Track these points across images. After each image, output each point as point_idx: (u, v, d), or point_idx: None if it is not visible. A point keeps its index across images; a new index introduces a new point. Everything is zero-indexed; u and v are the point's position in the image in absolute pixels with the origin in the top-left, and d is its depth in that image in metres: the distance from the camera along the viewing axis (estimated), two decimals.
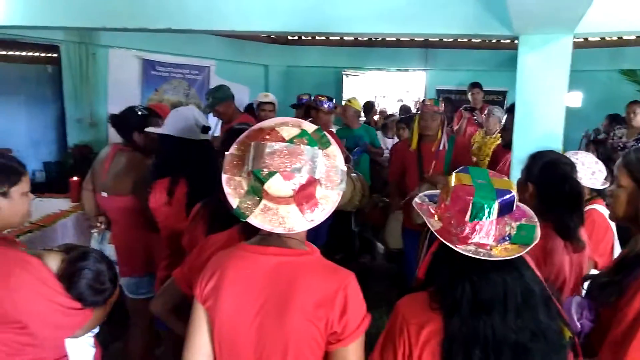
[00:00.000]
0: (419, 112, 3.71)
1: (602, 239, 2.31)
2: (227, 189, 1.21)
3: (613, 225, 2.30)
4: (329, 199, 1.20)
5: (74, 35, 5.41)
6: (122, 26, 3.25)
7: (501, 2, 2.36)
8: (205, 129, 2.38)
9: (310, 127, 1.24)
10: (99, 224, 2.86)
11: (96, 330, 1.71)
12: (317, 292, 1.20)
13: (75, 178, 3.92)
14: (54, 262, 1.58)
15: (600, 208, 2.34)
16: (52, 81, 5.74)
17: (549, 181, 1.95)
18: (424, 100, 3.73)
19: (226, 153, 1.24)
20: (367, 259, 5.27)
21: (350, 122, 5.16)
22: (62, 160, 5.67)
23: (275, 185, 1.15)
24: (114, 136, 2.88)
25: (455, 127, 5.74)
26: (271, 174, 1.14)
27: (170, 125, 2.30)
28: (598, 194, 2.42)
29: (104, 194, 2.71)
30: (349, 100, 5.24)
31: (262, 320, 1.22)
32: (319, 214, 1.19)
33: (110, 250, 2.80)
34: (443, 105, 3.65)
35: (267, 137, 1.17)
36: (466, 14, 2.68)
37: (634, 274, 1.38)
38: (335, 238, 4.62)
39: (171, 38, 6.06)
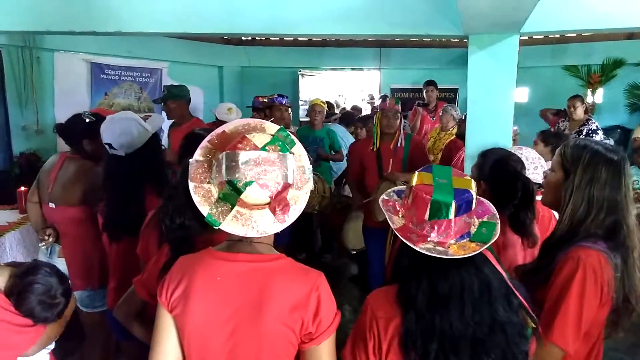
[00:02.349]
0: (378, 110, 3.77)
1: (547, 229, 2.41)
2: (195, 198, 1.19)
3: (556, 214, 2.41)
4: (299, 199, 1.22)
5: (17, 39, 5.18)
6: (68, 29, 3.12)
7: (451, 3, 2.43)
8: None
9: (273, 127, 1.25)
10: (46, 237, 2.73)
11: (52, 346, 1.64)
12: (290, 296, 1.21)
13: (22, 188, 3.75)
14: (1, 278, 1.50)
15: None
16: None
17: (501, 179, 2.02)
18: (385, 99, 3.79)
19: (190, 160, 1.22)
20: (328, 258, 5.30)
21: (313, 122, 5.17)
22: (7, 170, 5.41)
23: (252, 195, 1.15)
24: (62, 143, 2.75)
25: (411, 124, 5.87)
26: (248, 183, 1.13)
27: (124, 146, 2.14)
28: (540, 187, 2.52)
29: (52, 205, 2.59)
30: (313, 101, 5.25)
31: (235, 327, 1.22)
32: (291, 215, 1.20)
33: (61, 264, 2.69)
34: (393, 103, 3.73)
35: (240, 145, 1.15)
36: (418, 15, 2.73)
37: (562, 251, 1.47)
38: (297, 238, 4.63)
39: (121, 40, 5.90)
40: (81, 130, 2.56)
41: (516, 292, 1.27)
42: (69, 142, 2.64)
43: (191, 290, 1.24)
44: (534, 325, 1.29)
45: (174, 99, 4.10)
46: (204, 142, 1.23)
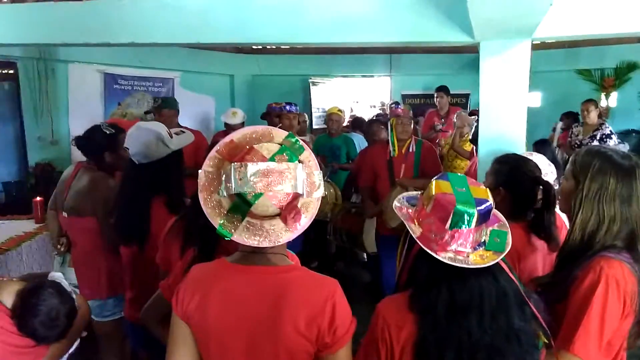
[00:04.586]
0: (392, 117, 3.78)
1: (561, 236, 2.39)
2: (206, 209, 1.19)
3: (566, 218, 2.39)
4: (310, 205, 1.21)
5: (32, 51, 5.27)
6: (83, 41, 3.18)
7: (462, 10, 2.42)
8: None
9: (281, 134, 1.24)
10: (59, 246, 2.77)
11: (65, 357, 1.66)
12: (306, 307, 1.20)
13: (38, 198, 3.80)
14: (8, 296, 1.53)
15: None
16: (10, 99, 5.56)
17: (520, 184, 2.00)
18: (398, 106, 3.82)
19: (199, 171, 1.22)
20: (341, 266, 5.29)
21: (330, 130, 5.18)
22: (22, 180, 5.49)
23: (261, 206, 1.15)
24: (77, 153, 2.78)
25: (425, 134, 5.85)
26: (258, 195, 1.13)
27: (139, 155, 2.17)
28: None
29: (65, 215, 2.62)
30: (330, 109, 5.28)
31: (252, 338, 1.22)
32: (302, 222, 1.19)
33: (73, 273, 2.72)
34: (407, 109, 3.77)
35: (247, 156, 1.15)
36: (429, 23, 2.73)
37: (578, 265, 1.45)
38: (310, 246, 4.63)
39: (133, 51, 5.98)
40: (101, 143, 2.58)
41: (529, 302, 1.26)
42: (89, 155, 2.65)
43: (207, 302, 1.24)
44: (545, 340, 1.28)
45: (170, 108, 4.39)
46: (213, 152, 1.22)
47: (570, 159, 1.61)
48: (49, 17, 3.20)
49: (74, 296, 1.69)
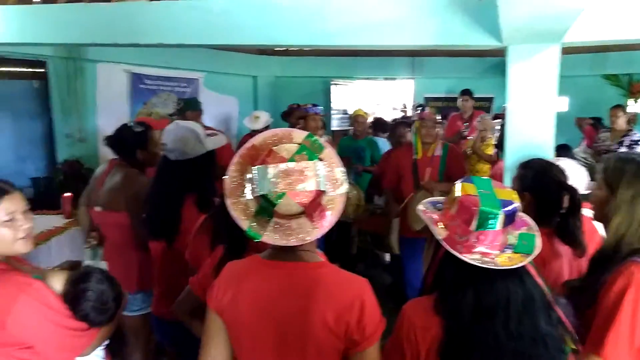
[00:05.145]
0: (417, 120, 3.78)
1: (590, 242, 2.35)
2: (234, 213, 1.22)
3: (600, 226, 2.35)
4: (334, 202, 1.23)
5: (62, 51, 5.39)
6: (112, 42, 3.25)
7: (490, 14, 2.41)
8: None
9: (300, 135, 1.27)
10: (90, 240, 2.84)
11: (106, 341, 1.72)
12: (335, 302, 1.23)
13: (68, 194, 3.89)
14: (58, 283, 1.58)
15: (586, 212, 2.38)
16: (40, 97, 5.69)
17: (546, 189, 1.99)
18: (423, 109, 3.82)
19: (225, 177, 1.26)
20: (362, 267, 5.28)
21: (355, 132, 5.19)
22: (50, 176, 5.62)
23: (285, 205, 1.18)
24: (104, 150, 2.84)
25: (449, 137, 5.81)
26: (280, 195, 1.17)
27: (176, 151, 2.22)
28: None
29: (98, 209, 2.68)
30: (356, 112, 5.28)
31: (282, 333, 1.25)
32: (329, 219, 1.22)
33: (104, 267, 2.77)
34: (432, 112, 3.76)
35: (268, 159, 1.19)
36: (455, 26, 2.72)
37: (609, 270, 1.45)
38: (332, 246, 4.63)
39: (159, 51, 6.07)
40: (132, 140, 2.64)
41: (555, 307, 1.26)
42: (120, 153, 2.70)
43: (239, 296, 1.28)
44: (572, 345, 1.28)
45: (193, 109, 4.58)
46: (236, 157, 1.26)
47: (600, 167, 1.60)
48: (79, 17, 3.27)
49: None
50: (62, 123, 5.60)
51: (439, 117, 3.76)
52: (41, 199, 5.17)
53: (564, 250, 1.95)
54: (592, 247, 2.33)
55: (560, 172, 2.08)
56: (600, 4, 2.53)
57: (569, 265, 1.93)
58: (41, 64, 5.46)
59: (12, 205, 1.51)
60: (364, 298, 1.24)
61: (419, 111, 6.40)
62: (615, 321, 1.39)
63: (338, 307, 1.22)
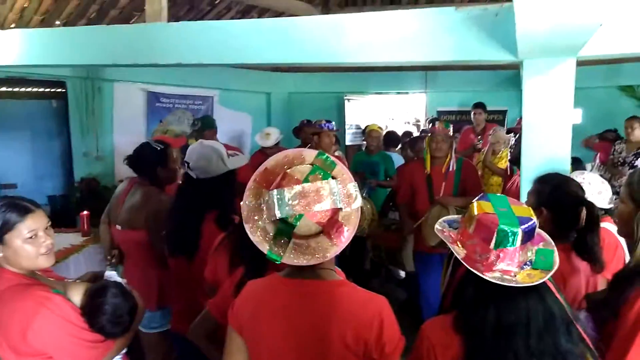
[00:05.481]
0: (428, 134, 3.77)
1: (612, 257, 2.32)
2: (253, 238, 1.24)
3: (623, 241, 2.32)
4: (350, 217, 1.25)
5: (81, 71, 5.51)
6: (132, 62, 3.32)
7: (506, 28, 2.42)
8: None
9: (311, 154, 1.28)
10: (109, 257, 2.87)
11: (124, 350, 1.78)
12: (354, 321, 1.24)
13: (85, 212, 3.94)
14: (77, 295, 1.66)
15: (609, 226, 2.35)
16: (58, 116, 5.81)
17: (563, 204, 1.97)
18: (434, 123, 3.80)
19: (242, 203, 1.28)
20: (376, 283, 5.25)
21: (369, 147, 5.20)
22: (67, 194, 5.70)
23: (304, 227, 1.20)
24: (122, 169, 2.90)
25: (461, 151, 5.80)
26: (299, 217, 1.19)
27: (199, 169, 2.25)
28: (606, 212, 2.44)
29: (119, 227, 2.73)
30: (370, 127, 5.30)
31: (302, 350, 1.25)
32: (346, 235, 1.23)
33: (121, 280, 2.80)
34: (428, 125, 3.74)
35: (283, 182, 1.21)
36: (470, 41, 2.73)
37: (633, 286, 1.42)
38: (346, 261, 4.62)
39: (175, 70, 6.16)
40: (153, 159, 2.69)
41: (576, 323, 1.25)
42: (140, 171, 2.74)
43: (260, 315, 1.29)
44: None
45: (210, 128, 4.78)
46: (250, 183, 1.29)
47: (624, 182, 1.59)
48: (99, 39, 3.36)
49: (134, 293, 1.81)
50: (80, 142, 5.71)
51: (451, 131, 3.72)
52: (58, 216, 5.25)
53: (582, 266, 1.93)
54: (613, 261, 2.31)
55: (577, 187, 2.07)
56: (617, 18, 2.53)
57: (586, 281, 1.91)
58: (60, 84, 5.59)
59: (35, 223, 1.60)
60: (383, 317, 1.25)
61: (431, 125, 6.39)
62: (636, 340, 1.36)
63: (357, 325, 1.23)
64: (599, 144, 5.81)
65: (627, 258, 2.32)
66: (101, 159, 5.80)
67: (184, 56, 3.20)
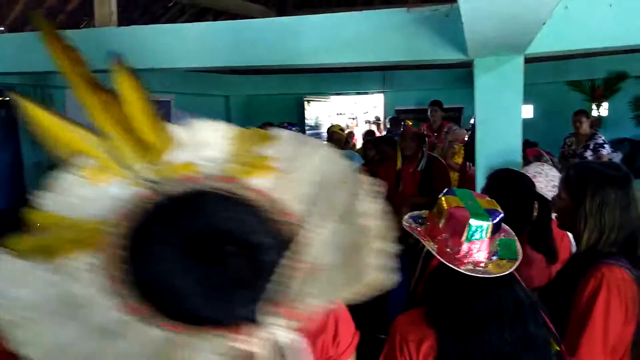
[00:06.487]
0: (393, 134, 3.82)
1: (560, 246, 2.41)
2: None
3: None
4: None
5: (30, 78, 5.30)
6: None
7: (455, 29, 2.48)
8: None
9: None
10: None
11: None
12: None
13: None
14: None
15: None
16: (6, 125, 5.56)
17: (515, 199, 2.02)
18: (403, 121, 3.83)
19: None
20: None
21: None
22: (18, 208, 5.46)
23: None
24: None
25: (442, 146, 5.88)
26: None
27: None
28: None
29: None
30: (331, 128, 5.31)
31: None
32: None
33: None
34: (389, 124, 3.79)
35: None
36: (422, 41, 2.79)
37: (580, 274, 1.48)
38: None
39: None
40: None
41: (539, 310, 1.28)
42: None
43: None
44: (557, 347, 1.30)
45: None
46: None
47: (560, 177, 1.64)
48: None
49: None
50: (31, 152, 5.49)
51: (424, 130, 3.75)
52: (7, 230, 5.03)
53: (536, 257, 1.98)
54: (560, 250, 2.39)
55: (528, 181, 2.13)
56: (561, 17, 2.63)
57: (538, 272, 1.97)
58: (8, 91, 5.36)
59: None
60: (337, 313, 1.23)
61: (390, 124, 6.49)
62: (589, 323, 1.41)
63: (313, 327, 1.22)
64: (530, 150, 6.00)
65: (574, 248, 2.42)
66: (54, 169, 5.58)
67: (136, 61, 3.05)
